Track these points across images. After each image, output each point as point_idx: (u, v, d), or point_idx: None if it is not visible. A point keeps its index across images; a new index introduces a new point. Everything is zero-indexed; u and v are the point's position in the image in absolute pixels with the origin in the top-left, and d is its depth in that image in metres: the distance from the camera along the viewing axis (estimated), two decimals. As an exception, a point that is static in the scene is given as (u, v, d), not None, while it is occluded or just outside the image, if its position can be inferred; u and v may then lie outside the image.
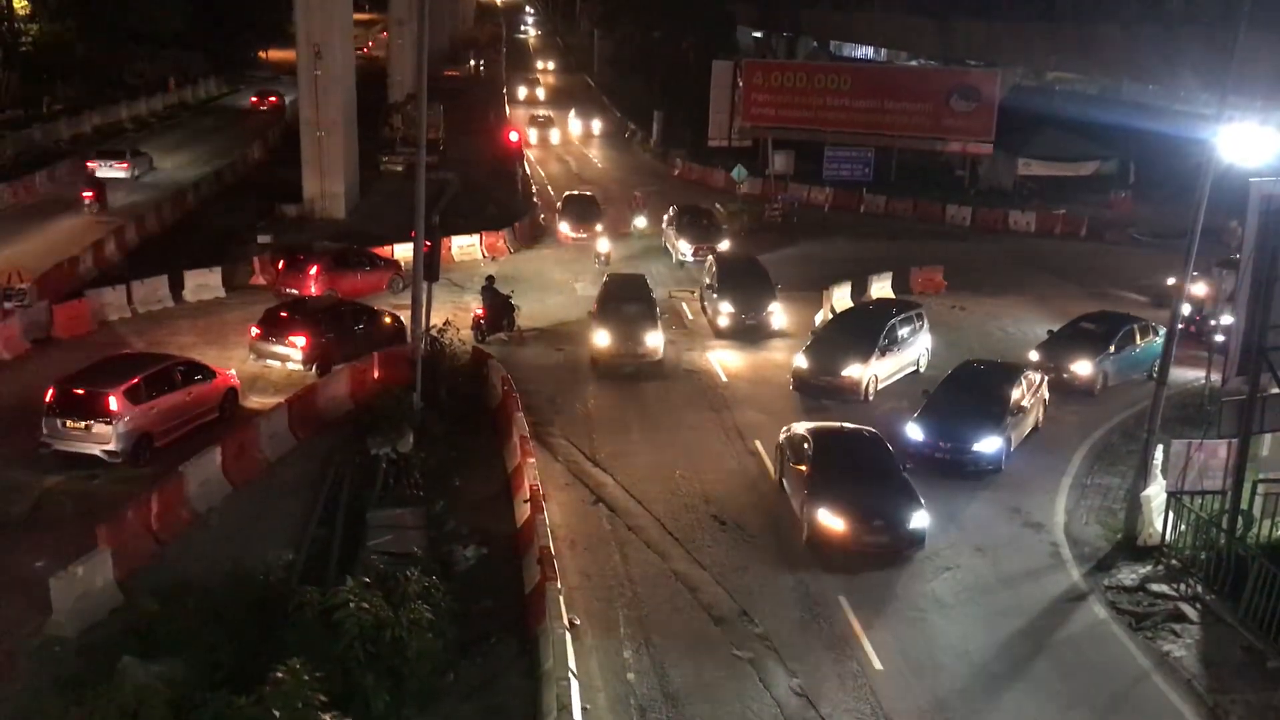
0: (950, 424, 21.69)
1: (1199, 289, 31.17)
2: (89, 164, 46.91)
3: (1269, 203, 17.17)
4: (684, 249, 37.67)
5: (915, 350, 27.23)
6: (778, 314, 30.53)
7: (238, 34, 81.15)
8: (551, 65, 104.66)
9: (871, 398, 25.27)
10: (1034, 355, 26.94)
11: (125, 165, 47.27)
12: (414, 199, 23.25)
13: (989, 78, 52.98)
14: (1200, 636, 16.42)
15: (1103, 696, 15.10)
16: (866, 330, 26.22)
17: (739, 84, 55.64)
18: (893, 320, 26.55)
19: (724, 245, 37.11)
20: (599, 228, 40.38)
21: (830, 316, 30.19)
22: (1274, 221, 17.14)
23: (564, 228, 41.28)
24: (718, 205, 47.56)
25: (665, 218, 40.79)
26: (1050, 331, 28.11)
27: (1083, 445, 23.57)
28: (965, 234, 45.94)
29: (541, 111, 72.96)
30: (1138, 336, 27.37)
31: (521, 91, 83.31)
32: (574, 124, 70.91)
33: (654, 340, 26.62)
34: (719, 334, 30.18)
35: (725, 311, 30.18)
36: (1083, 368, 26.24)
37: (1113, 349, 26.72)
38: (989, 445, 21.39)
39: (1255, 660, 15.72)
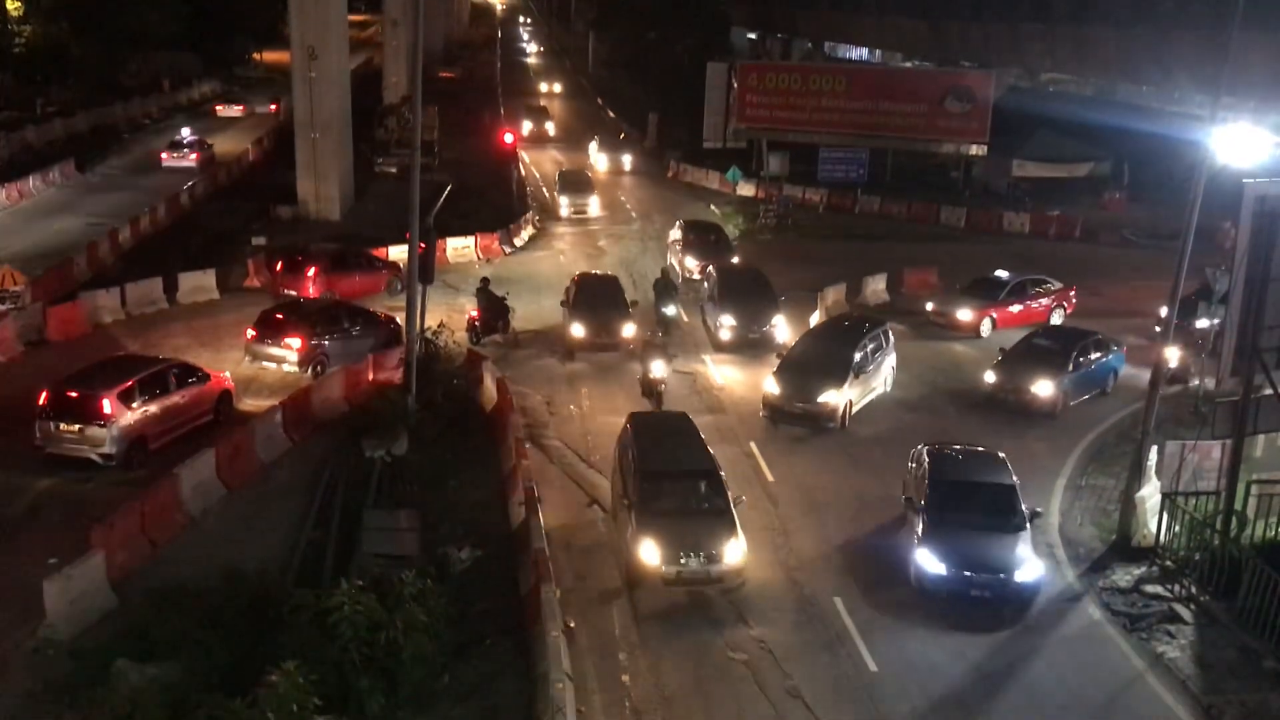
0: (974, 547, 16.99)
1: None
2: (217, 107, 68.17)
3: (1262, 203, 17.23)
4: (691, 266, 34.99)
5: (884, 370, 25.87)
6: (781, 327, 29.01)
7: (232, 36, 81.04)
8: (558, 88, 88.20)
9: (847, 424, 23.95)
10: (990, 377, 25.57)
11: (243, 108, 67.66)
12: (408, 201, 23.22)
13: (983, 79, 53.02)
14: (1195, 637, 16.46)
15: (1097, 697, 15.12)
16: (839, 352, 24.41)
17: (733, 86, 55.69)
18: (864, 340, 24.98)
19: (734, 261, 34.71)
20: (628, 331, 28.32)
21: (819, 321, 29.75)
22: (1267, 222, 17.20)
23: (576, 330, 28.27)
24: (712, 207, 47.73)
25: (671, 234, 38.18)
26: (1002, 350, 26.38)
27: (1075, 448, 23.56)
28: (960, 235, 45.99)
29: (557, 154, 59.44)
30: (1093, 351, 26.16)
31: (526, 126, 64.06)
32: (599, 158, 57.26)
33: (734, 552, 16.81)
34: (719, 347, 28.96)
35: (726, 325, 28.86)
36: (1044, 388, 24.73)
37: (1071, 366, 25.32)
38: (1031, 571, 16.92)
39: (1250, 661, 15.76)
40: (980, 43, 57.68)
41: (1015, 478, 18.51)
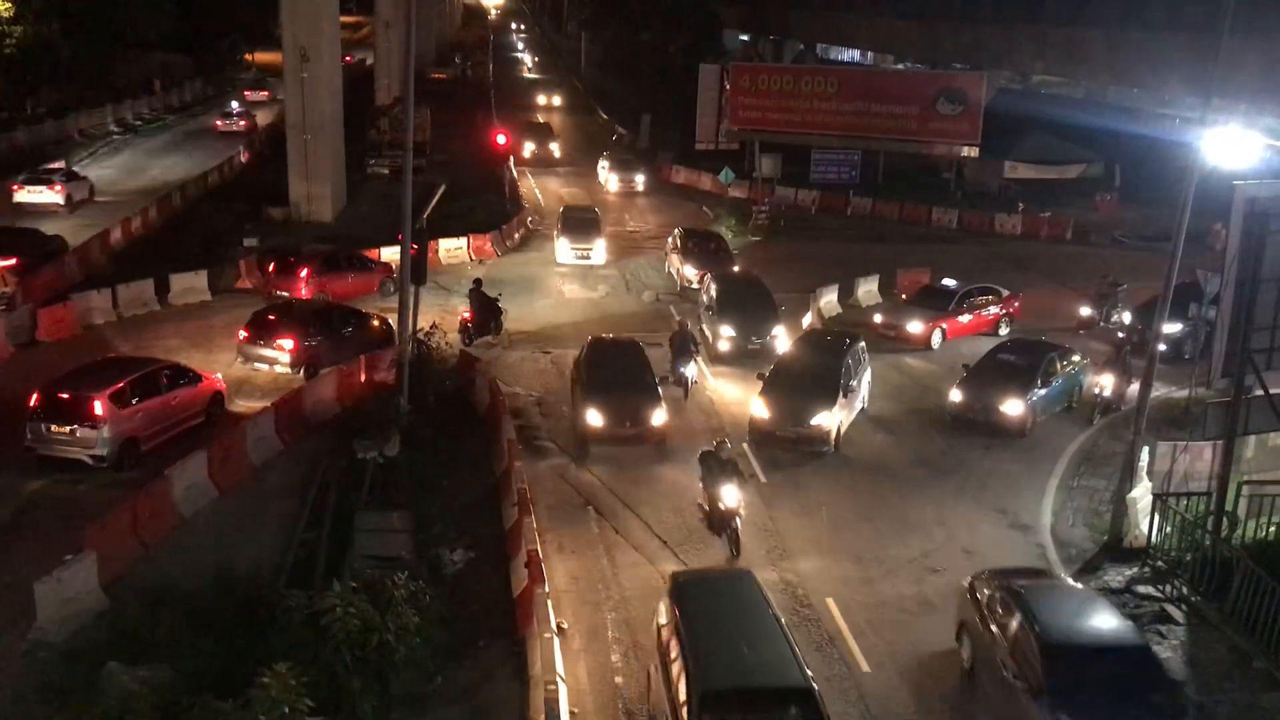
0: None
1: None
2: (246, 92, 75.14)
3: (1252, 205, 17.31)
4: (689, 275, 34.10)
5: (864, 386, 24.87)
6: (782, 337, 27.82)
7: (224, 36, 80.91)
8: (557, 100, 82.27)
9: (839, 446, 22.85)
10: (955, 395, 24.37)
11: (266, 94, 74.60)
12: (401, 202, 23.20)
13: (975, 81, 53.14)
14: (1186, 638, 16.52)
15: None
16: (825, 370, 23.12)
17: (726, 87, 55.74)
18: (847, 355, 23.82)
19: (734, 269, 33.64)
20: (659, 419, 22.35)
21: (811, 326, 29.56)
22: (1257, 224, 17.27)
23: (592, 419, 22.10)
24: (705, 209, 47.75)
25: (669, 241, 37.14)
26: (966, 367, 25.28)
27: (1068, 450, 23.61)
28: (952, 236, 46.07)
29: (565, 180, 54.16)
30: (1059, 365, 25.11)
31: (528, 147, 57.78)
32: (609, 179, 52.44)
33: None
34: (716, 358, 28.07)
35: (725, 335, 27.94)
36: (1014, 408, 23.57)
37: (1039, 383, 24.25)
38: None
39: (1241, 661, 15.82)
40: (972, 44, 57.75)
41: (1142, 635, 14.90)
